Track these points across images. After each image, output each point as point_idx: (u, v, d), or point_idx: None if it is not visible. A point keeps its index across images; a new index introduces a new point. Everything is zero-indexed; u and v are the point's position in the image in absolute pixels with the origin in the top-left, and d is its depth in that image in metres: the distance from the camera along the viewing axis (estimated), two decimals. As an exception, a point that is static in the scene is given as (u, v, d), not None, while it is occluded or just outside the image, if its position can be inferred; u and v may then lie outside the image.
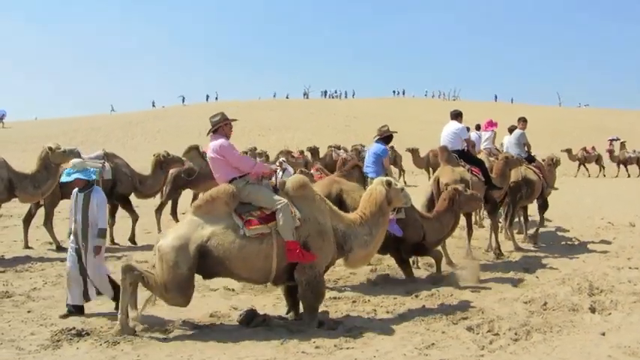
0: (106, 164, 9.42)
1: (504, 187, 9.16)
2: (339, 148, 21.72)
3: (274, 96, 77.31)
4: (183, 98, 70.37)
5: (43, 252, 8.77)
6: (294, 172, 13.84)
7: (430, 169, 20.45)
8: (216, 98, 73.44)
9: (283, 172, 12.49)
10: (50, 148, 8.43)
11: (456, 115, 9.13)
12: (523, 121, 10.68)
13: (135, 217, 9.78)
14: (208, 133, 5.69)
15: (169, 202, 11.20)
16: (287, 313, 5.67)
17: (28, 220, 9.21)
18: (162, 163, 10.29)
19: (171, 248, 5.01)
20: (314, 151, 20.74)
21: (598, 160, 27.33)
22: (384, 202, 5.82)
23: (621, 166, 27.26)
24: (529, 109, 52.41)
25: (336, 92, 74.75)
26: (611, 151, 27.89)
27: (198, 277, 5.26)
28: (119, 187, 9.68)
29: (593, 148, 27.72)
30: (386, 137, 8.09)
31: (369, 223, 5.72)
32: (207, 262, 5.09)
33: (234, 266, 5.14)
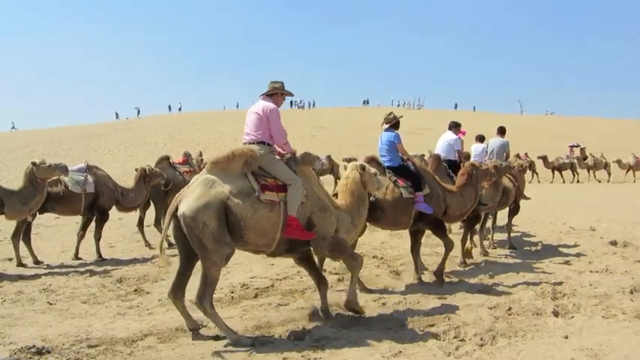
0: (89, 177, 9.33)
1: (497, 197, 9.23)
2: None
3: (237, 107, 76.94)
4: (139, 110, 68.73)
5: (2, 268, 8.54)
6: None
7: None
8: (180, 109, 72.80)
9: None
10: (34, 164, 8.29)
11: (455, 126, 9.59)
12: (504, 130, 11.00)
13: (99, 236, 9.58)
14: (262, 95, 5.84)
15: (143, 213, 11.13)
16: (319, 287, 5.80)
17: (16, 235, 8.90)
18: (146, 176, 10.28)
19: (194, 211, 4.96)
20: None
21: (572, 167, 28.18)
22: (359, 187, 5.95)
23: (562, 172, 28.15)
24: (491, 117, 53.40)
25: (301, 102, 74.73)
26: (575, 158, 28.70)
27: (164, 290, 5.18)
28: (101, 199, 9.59)
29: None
30: (395, 124, 8.10)
31: (351, 212, 5.84)
32: (227, 219, 5.06)
33: (248, 227, 5.12)
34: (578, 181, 27.80)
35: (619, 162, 27.94)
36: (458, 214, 7.79)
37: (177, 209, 5.12)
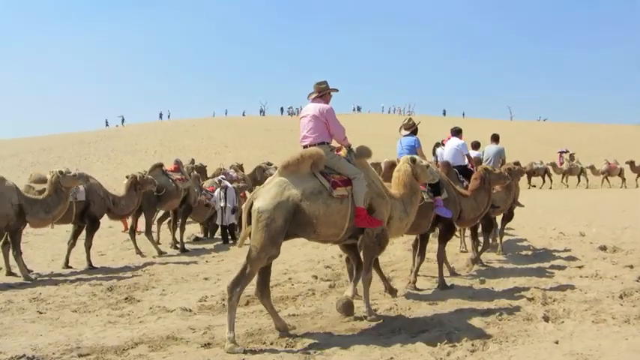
0: (80, 185, 9.28)
1: (509, 200, 9.44)
2: (269, 164, 21.97)
3: (226, 114, 76.96)
4: (123, 118, 67.73)
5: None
6: (238, 186, 13.88)
7: None
8: (169, 116, 72.67)
9: (225, 191, 12.47)
10: (61, 172, 8.48)
11: (457, 132, 9.67)
12: (497, 138, 11.10)
13: (89, 244, 9.54)
14: (310, 96, 6.18)
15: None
16: (357, 274, 6.10)
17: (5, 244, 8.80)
18: (137, 184, 10.24)
19: (269, 206, 5.25)
20: (240, 167, 21.04)
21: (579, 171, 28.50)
22: (411, 179, 6.35)
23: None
24: (481, 123, 53.67)
25: (290, 108, 74.81)
26: (561, 164, 28.92)
27: (154, 298, 5.16)
28: (92, 207, 9.57)
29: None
30: (414, 130, 8.45)
31: (403, 201, 6.26)
32: (298, 217, 5.37)
33: (320, 222, 5.46)
34: (550, 188, 27.96)
35: (592, 168, 28.16)
36: (472, 218, 8.00)
37: (252, 205, 5.40)
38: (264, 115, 76.90)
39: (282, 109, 77.80)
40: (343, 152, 6.06)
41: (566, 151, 30.32)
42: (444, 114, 78.86)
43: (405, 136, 8.36)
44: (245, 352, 5.01)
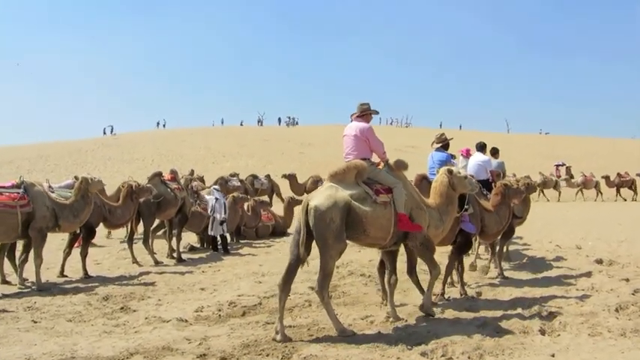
0: None
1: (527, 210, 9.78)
2: (255, 177, 22.02)
3: (222, 123, 77.09)
4: (112, 128, 65.86)
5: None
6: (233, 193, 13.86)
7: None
8: (164, 125, 72.68)
9: (216, 201, 12.45)
10: (90, 178, 8.91)
11: (481, 147, 10.07)
12: (496, 151, 11.27)
13: (85, 253, 9.51)
14: (352, 115, 6.80)
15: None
16: (389, 278, 6.56)
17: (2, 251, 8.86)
18: (133, 192, 10.21)
19: (326, 207, 5.77)
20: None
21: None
22: (448, 189, 6.75)
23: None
24: (478, 136, 53.74)
25: (288, 119, 74.93)
26: (557, 177, 28.99)
27: (150, 308, 5.14)
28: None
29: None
30: (446, 145, 8.79)
31: (440, 210, 6.66)
32: (350, 218, 5.90)
33: (368, 224, 5.98)
34: (549, 200, 28.03)
35: (567, 180, 28.22)
36: (495, 232, 8.30)
37: (307, 207, 5.88)
38: (262, 125, 77.01)
39: (279, 119, 77.96)
40: (381, 166, 6.56)
41: (563, 164, 30.45)
42: (441, 126, 78.99)
43: (436, 150, 8.72)
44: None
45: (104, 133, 66.10)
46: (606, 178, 28.77)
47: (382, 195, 6.13)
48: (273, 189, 21.98)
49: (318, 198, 5.89)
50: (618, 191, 28.93)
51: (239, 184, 21.79)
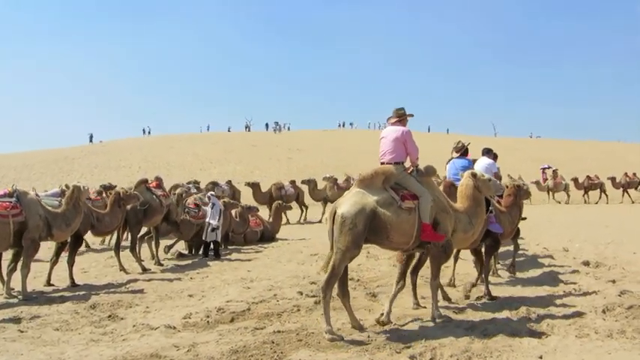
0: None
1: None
2: (216, 184, 22.35)
3: (208, 129, 77.04)
4: (91, 136, 64.85)
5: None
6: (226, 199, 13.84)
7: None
8: (149, 132, 72.40)
9: (213, 207, 12.43)
10: (82, 187, 8.92)
11: (487, 152, 10.21)
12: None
13: (72, 261, 9.43)
14: (389, 120, 6.94)
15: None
16: (397, 282, 6.73)
17: None
18: (120, 200, 10.17)
19: (352, 213, 5.95)
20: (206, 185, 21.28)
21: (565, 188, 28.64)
22: (474, 192, 6.91)
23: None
24: (465, 140, 53.93)
25: (276, 124, 74.82)
26: (544, 180, 29.12)
27: (138, 316, 5.11)
28: None
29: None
30: (465, 151, 9.03)
31: (468, 213, 6.79)
32: (375, 223, 6.03)
33: (393, 228, 6.10)
34: (550, 202, 28.22)
35: (537, 183, 28.33)
36: (509, 231, 8.47)
37: (334, 214, 6.06)
38: (249, 130, 76.85)
39: (267, 124, 77.80)
40: (411, 170, 6.66)
41: (549, 167, 30.56)
42: (429, 130, 79.41)
43: (457, 157, 8.94)
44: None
45: (90, 140, 65.62)
46: (612, 179, 28.89)
47: (408, 201, 6.24)
48: (234, 195, 21.98)
49: (345, 205, 6.05)
50: (625, 191, 29.04)
51: (227, 187, 21.91)
